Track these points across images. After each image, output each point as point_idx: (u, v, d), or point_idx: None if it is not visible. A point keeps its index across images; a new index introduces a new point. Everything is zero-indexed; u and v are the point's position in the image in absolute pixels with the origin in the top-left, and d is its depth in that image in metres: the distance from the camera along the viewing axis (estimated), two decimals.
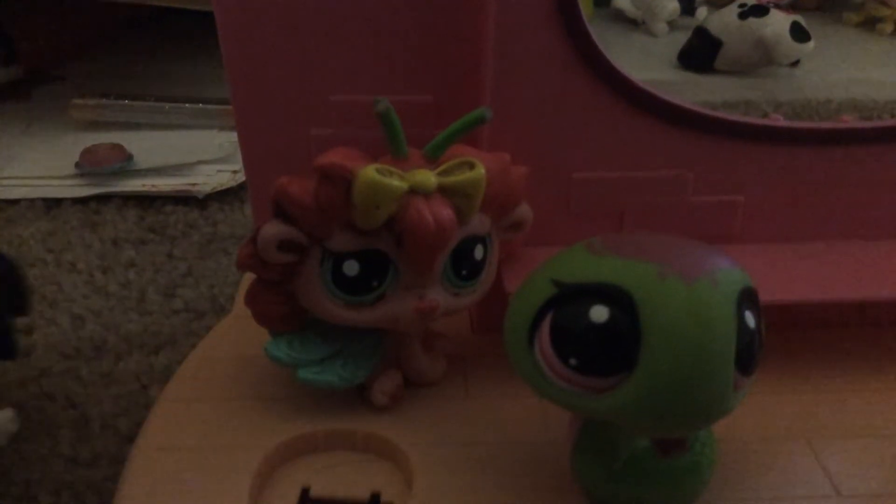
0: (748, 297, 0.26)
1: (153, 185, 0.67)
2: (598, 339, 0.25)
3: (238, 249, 0.33)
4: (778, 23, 0.86)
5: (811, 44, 0.87)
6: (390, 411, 0.35)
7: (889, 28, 1.11)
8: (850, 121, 0.40)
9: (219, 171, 0.70)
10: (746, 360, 0.26)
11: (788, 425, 0.34)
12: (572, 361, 0.26)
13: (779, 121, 0.40)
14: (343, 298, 0.32)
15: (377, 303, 0.33)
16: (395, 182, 0.30)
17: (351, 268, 0.32)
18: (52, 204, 0.65)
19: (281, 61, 0.36)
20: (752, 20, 0.86)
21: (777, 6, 0.91)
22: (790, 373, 0.38)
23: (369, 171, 0.30)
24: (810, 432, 0.34)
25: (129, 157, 0.70)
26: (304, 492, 0.31)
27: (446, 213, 0.31)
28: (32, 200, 0.66)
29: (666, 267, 0.25)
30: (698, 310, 0.25)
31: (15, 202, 0.66)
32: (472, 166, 0.31)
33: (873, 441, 0.34)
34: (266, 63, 0.36)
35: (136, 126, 0.79)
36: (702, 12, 1.10)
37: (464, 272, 0.33)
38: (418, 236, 0.30)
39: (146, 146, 0.73)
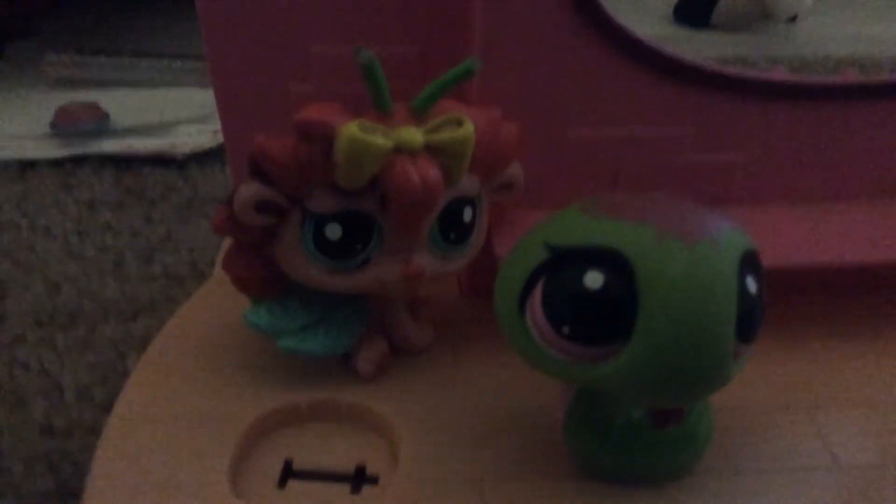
0: (750, 261, 0.25)
1: (130, 146, 0.65)
2: (593, 307, 0.24)
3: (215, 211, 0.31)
4: None
5: None
6: (376, 380, 0.33)
7: None
8: (853, 75, 0.39)
9: (199, 130, 0.68)
10: (747, 327, 0.25)
11: (787, 394, 0.34)
12: (565, 329, 0.24)
13: (781, 71, 0.38)
14: (326, 263, 0.31)
15: (361, 267, 0.31)
16: (379, 140, 0.28)
17: (333, 231, 0.30)
18: (26, 166, 0.63)
19: (258, 11, 0.34)
20: None
21: None
22: (790, 340, 0.37)
23: (351, 128, 0.28)
24: (809, 402, 0.33)
25: (106, 117, 0.68)
26: (287, 464, 0.30)
27: (433, 172, 0.29)
28: (6, 162, 0.63)
29: (665, 228, 0.24)
30: (698, 273, 0.23)
31: None
32: (460, 123, 0.30)
33: (873, 411, 0.33)
34: (242, 13, 0.34)
35: (113, 84, 0.76)
36: None
37: (452, 235, 0.32)
38: (404, 197, 0.29)
39: (123, 105, 0.71)
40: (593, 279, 0.24)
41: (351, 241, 0.31)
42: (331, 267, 0.31)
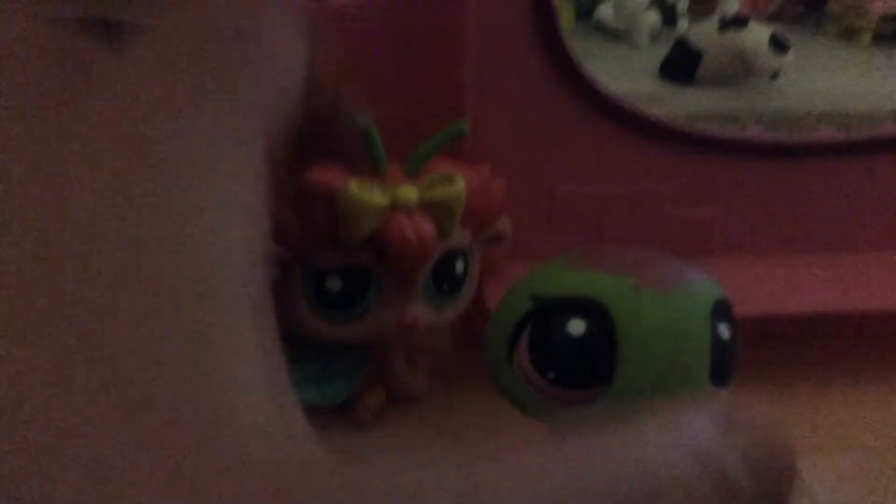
0: (722, 309, 0.27)
1: None
2: (576, 352, 0.26)
3: None
4: (757, 35, 0.87)
5: (790, 55, 0.88)
6: (374, 427, 0.35)
7: (867, 40, 1.13)
8: (825, 133, 0.41)
9: None
10: (721, 372, 0.26)
11: None
12: (550, 375, 0.26)
13: (756, 130, 0.40)
14: (325, 314, 0.32)
15: (359, 318, 0.33)
16: (377, 198, 0.30)
17: (333, 283, 0.32)
18: None
19: None
20: (731, 33, 0.87)
21: (756, 18, 0.92)
22: (768, 385, 0.38)
23: (351, 188, 0.30)
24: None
25: None
26: None
27: (427, 227, 0.31)
28: None
29: (641, 279, 0.26)
30: (673, 321, 0.25)
31: None
32: (452, 180, 0.32)
33: (851, 453, 0.34)
34: None
35: None
36: (683, 24, 1.11)
37: (445, 286, 0.34)
38: (400, 251, 0.31)
39: None
40: (576, 327, 0.26)
41: (350, 292, 0.32)
42: (330, 317, 0.33)
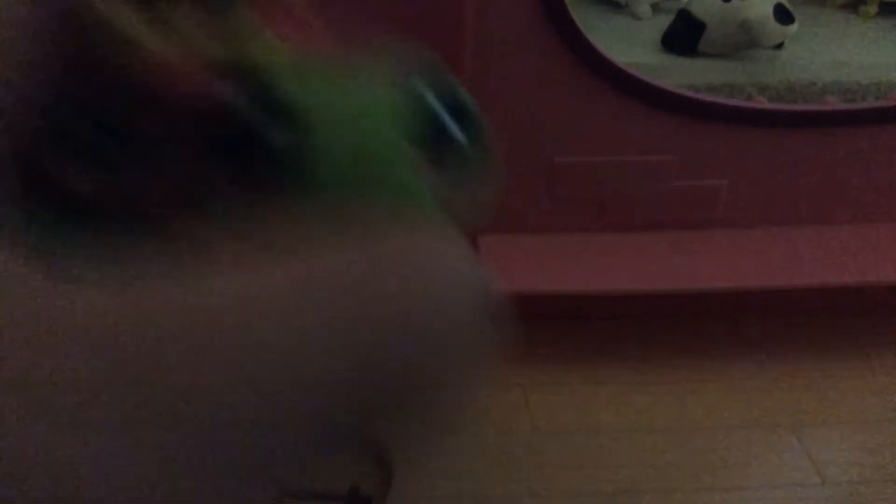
0: (432, 81, 0.27)
1: None
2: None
3: None
4: (762, 5, 0.85)
5: (795, 26, 0.87)
6: None
7: (873, 10, 1.11)
8: (833, 103, 0.40)
9: None
10: (430, 141, 0.26)
11: (774, 414, 0.34)
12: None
13: (761, 100, 0.39)
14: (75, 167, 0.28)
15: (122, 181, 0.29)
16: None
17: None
18: None
19: None
20: (735, 2, 0.85)
21: None
22: (775, 361, 0.38)
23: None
24: (796, 421, 0.34)
25: None
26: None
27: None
28: None
29: (331, 69, 0.26)
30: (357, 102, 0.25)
31: None
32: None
33: (858, 429, 0.34)
34: None
35: None
36: None
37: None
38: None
39: None
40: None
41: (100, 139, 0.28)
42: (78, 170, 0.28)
